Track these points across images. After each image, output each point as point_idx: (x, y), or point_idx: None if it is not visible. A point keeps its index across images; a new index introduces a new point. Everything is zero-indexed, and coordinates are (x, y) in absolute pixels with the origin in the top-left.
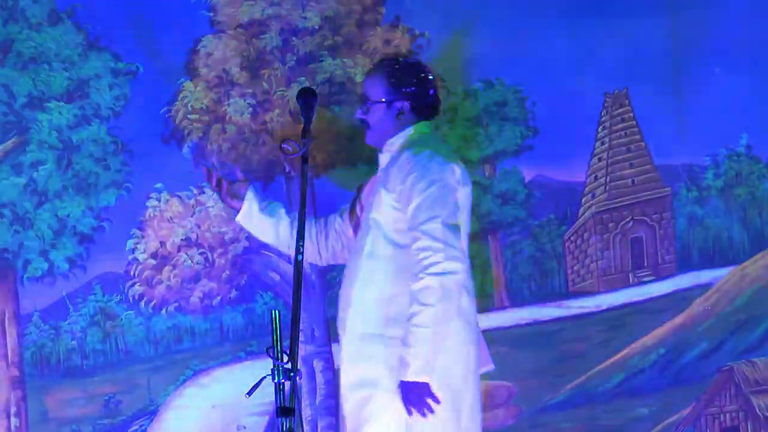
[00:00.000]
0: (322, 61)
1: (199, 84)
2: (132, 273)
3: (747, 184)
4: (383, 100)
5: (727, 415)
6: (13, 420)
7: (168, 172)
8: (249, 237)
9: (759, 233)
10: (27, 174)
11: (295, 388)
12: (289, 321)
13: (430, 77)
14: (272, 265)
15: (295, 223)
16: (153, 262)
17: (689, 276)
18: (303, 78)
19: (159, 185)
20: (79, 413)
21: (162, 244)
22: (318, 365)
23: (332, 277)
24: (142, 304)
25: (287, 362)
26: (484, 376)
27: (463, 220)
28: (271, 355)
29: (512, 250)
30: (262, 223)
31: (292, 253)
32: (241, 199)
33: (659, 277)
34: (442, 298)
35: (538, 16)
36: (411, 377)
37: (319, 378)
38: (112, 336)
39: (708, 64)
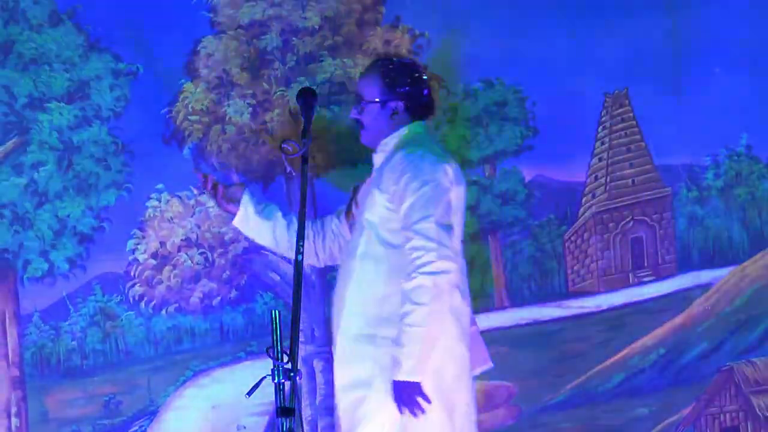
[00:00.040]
0: (322, 61)
1: (200, 85)
2: (132, 273)
3: (747, 184)
4: (377, 100)
5: (727, 415)
6: (14, 420)
7: (168, 172)
8: (249, 237)
9: (759, 233)
10: (27, 175)
11: (295, 388)
12: (289, 321)
13: (424, 77)
14: (272, 265)
15: (292, 226)
16: (153, 262)
17: (689, 276)
18: (303, 78)
19: (159, 186)
20: (79, 413)
21: (162, 244)
22: (318, 365)
23: (332, 278)
24: (142, 304)
25: (287, 362)
26: (484, 376)
27: (457, 219)
28: (271, 355)
29: (512, 250)
30: (259, 226)
31: (289, 255)
32: (237, 203)
33: (659, 277)
34: (434, 298)
35: (538, 16)
36: (403, 376)
37: (319, 378)
38: (112, 336)
39: (708, 64)
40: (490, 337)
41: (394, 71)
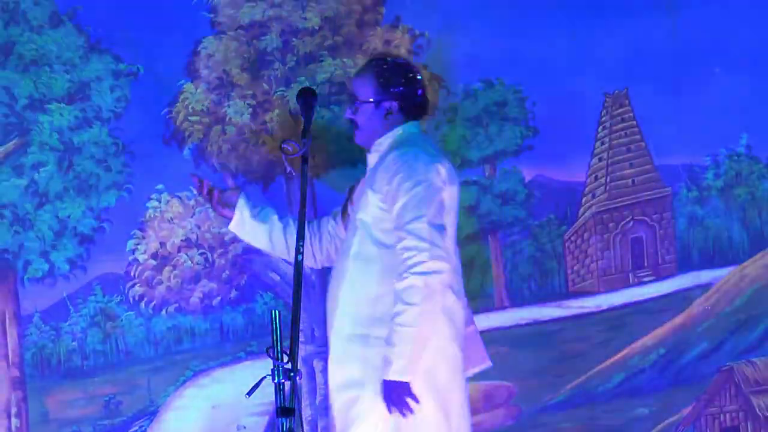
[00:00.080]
0: (322, 61)
1: (200, 85)
2: (132, 274)
3: (747, 184)
4: (371, 100)
5: (727, 415)
6: (14, 421)
7: (169, 173)
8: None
9: (759, 233)
10: (28, 175)
11: (295, 388)
12: (289, 321)
13: (419, 77)
14: (272, 266)
15: (288, 228)
16: (153, 262)
17: (689, 276)
18: (303, 78)
19: (160, 186)
20: (79, 414)
21: (162, 244)
22: (318, 365)
23: None
24: (143, 304)
25: (287, 362)
26: (485, 376)
27: (450, 219)
28: (271, 355)
29: (512, 250)
30: (255, 229)
31: (285, 257)
32: (233, 207)
33: (659, 277)
34: (426, 298)
35: (538, 16)
36: (393, 376)
37: (319, 378)
38: (112, 337)
39: (708, 64)
40: (490, 337)
41: (389, 71)
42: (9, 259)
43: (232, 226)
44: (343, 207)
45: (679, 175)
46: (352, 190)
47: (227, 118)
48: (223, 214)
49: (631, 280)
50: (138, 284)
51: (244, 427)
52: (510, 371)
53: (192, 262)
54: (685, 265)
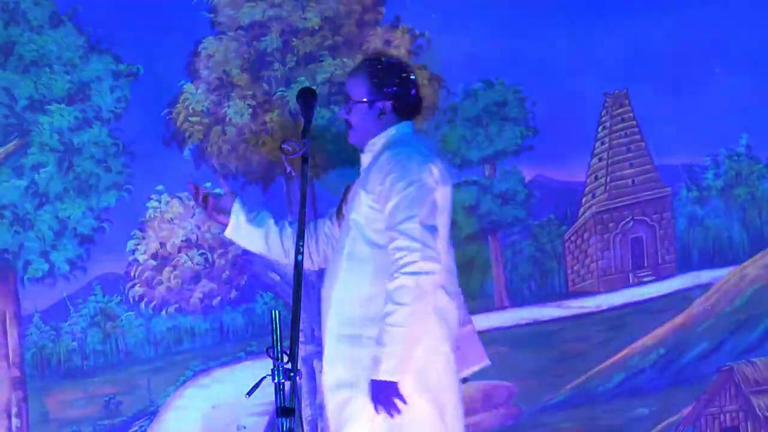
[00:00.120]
0: (322, 61)
1: (200, 86)
2: (132, 274)
3: (747, 184)
4: (365, 99)
5: (727, 415)
6: (14, 420)
7: (169, 173)
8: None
9: (759, 233)
10: (28, 176)
11: (295, 388)
12: (289, 321)
13: (412, 77)
14: (272, 266)
15: (284, 232)
16: (153, 263)
17: (689, 276)
18: (303, 78)
19: (160, 187)
20: (79, 414)
21: (162, 245)
22: (318, 365)
23: None
24: (143, 305)
25: (287, 362)
26: (485, 376)
27: (443, 220)
28: (271, 355)
29: (512, 250)
30: (251, 234)
31: (282, 260)
32: (228, 213)
33: (659, 277)
34: (417, 298)
35: (538, 16)
36: (382, 376)
37: (319, 378)
38: (112, 337)
39: (708, 64)
40: (490, 337)
41: (382, 71)
42: (9, 260)
43: (228, 232)
44: (338, 207)
45: (679, 175)
46: (347, 190)
47: (227, 119)
48: (218, 220)
49: (631, 280)
50: (138, 284)
51: (244, 427)
52: (510, 371)
53: (192, 263)
54: (685, 265)
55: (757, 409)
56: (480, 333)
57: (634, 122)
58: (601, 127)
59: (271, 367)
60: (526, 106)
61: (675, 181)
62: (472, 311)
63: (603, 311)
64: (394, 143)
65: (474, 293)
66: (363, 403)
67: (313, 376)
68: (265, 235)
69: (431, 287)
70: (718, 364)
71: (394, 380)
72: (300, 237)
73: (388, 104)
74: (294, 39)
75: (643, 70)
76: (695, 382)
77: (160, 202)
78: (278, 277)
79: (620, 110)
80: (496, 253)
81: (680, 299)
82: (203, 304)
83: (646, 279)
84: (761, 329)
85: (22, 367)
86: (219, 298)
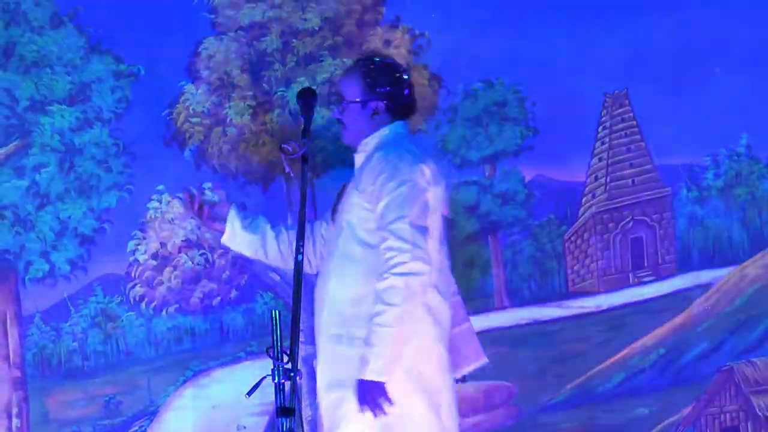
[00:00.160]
0: (322, 61)
1: (201, 86)
2: (133, 274)
3: (747, 184)
4: (358, 99)
5: (727, 415)
6: (15, 421)
7: (169, 174)
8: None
9: (759, 233)
10: (29, 176)
11: (295, 388)
12: (289, 321)
13: (405, 77)
14: (272, 266)
15: (281, 237)
16: (154, 263)
17: (689, 276)
18: (303, 78)
19: (160, 187)
20: (79, 414)
21: (163, 245)
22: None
23: None
24: (143, 305)
25: (287, 362)
26: (484, 376)
27: (434, 220)
28: (271, 355)
29: (512, 250)
30: (247, 241)
31: (280, 265)
32: (224, 220)
33: (659, 277)
34: (406, 299)
35: (538, 16)
36: (369, 376)
37: None
38: (112, 337)
39: (708, 64)
40: (490, 337)
41: (375, 71)
42: (10, 260)
43: (225, 240)
44: (333, 208)
45: (679, 175)
46: (342, 190)
47: (228, 119)
48: (213, 227)
49: (631, 280)
50: (138, 285)
51: (244, 427)
52: (510, 371)
53: (192, 263)
54: (685, 265)
55: (757, 409)
56: (480, 333)
57: (634, 122)
58: (601, 127)
59: (271, 367)
60: (526, 106)
61: (675, 181)
62: (472, 311)
63: (603, 311)
64: (387, 143)
65: (474, 293)
66: (356, 402)
67: (313, 376)
68: (261, 241)
69: (420, 288)
70: (718, 364)
71: (382, 380)
72: (300, 237)
73: (381, 104)
74: (294, 39)
75: (643, 70)
76: (695, 382)
77: (160, 203)
78: (278, 277)
79: (620, 110)
80: (496, 253)
81: (680, 299)
82: (203, 304)
83: (646, 279)
84: (761, 329)
85: (22, 368)
86: (219, 298)
